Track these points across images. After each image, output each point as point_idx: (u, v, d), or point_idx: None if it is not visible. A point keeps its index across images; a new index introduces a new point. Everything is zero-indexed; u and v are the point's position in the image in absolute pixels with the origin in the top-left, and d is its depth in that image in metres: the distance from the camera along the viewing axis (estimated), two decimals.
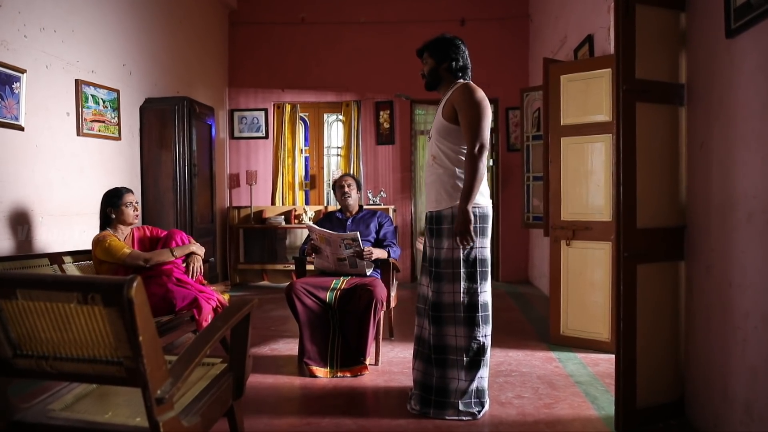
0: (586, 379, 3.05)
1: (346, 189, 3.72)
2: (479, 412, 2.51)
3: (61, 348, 1.44)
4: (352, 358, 3.17)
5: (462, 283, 2.46)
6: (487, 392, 2.58)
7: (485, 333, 2.52)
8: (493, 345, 3.71)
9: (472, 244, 2.42)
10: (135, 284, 1.28)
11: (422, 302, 2.62)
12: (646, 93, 2.35)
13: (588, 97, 3.62)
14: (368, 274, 3.43)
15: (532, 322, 4.54)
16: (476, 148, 2.38)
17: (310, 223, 3.48)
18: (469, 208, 2.38)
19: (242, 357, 1.91)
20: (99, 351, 1.42)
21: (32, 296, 1.36)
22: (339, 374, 3.11)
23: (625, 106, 2.33)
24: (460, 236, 2.40)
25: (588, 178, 3.63)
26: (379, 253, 3.45)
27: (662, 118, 2.43)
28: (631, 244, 2.34)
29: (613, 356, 3.42)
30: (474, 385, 2.50)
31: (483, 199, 2.51)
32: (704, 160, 2.31)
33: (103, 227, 3.12)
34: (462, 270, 2.46)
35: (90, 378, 1.46)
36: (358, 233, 3.31)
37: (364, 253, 3.33)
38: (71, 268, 2.97)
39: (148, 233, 3.26)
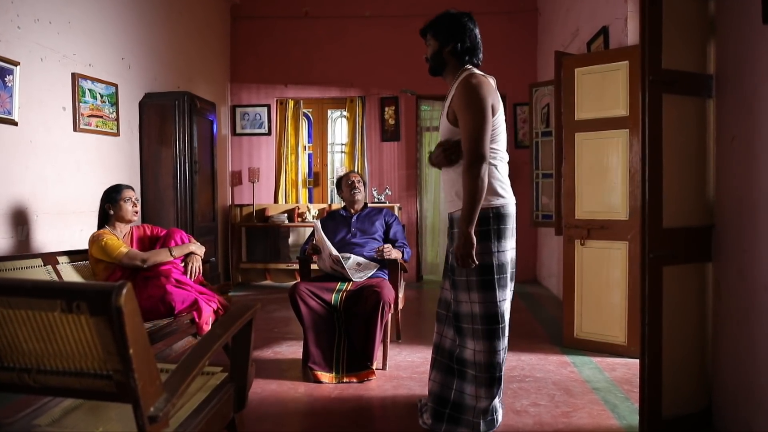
0: (604, 385, 2.92)
1: (357, 184, 3.62)
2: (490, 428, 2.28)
3: (45, 360, 1.31)
4: (358, 362, 3.03)
5: (477, 292, 2.18)
6: (499, 401, 2.36)
7: (503, 346, 2.25)
8: None
9: (475, 263, 2.12)
10: (124, 291, 1.15)
11: (443, 308, 2.38)
12: (672, 84, 2.21)
13: (604, 91, 3.47)
14: (355, 279, 3.27)
15: (543, 323, 4.40)
16: (471, 161, 2.07)
17: (317, 223, 3.34)
18: (471, 230, 2.08)
19: (244, 366, 1.78)
20: (86, 364, 1.29)
21: (11, 304, 1.23)
22: (345, 380, 2.98)
23: (650, 97, 2.18)
24: (461, 260, 2.11)
25: (604, 176, 3.48)
26: (396, 254, 3.35)
27: (689, 111, 2.29)
28: (657, 244, 2.20)
29: (630, 360, 3.31)
30: (494, 402, 2.26)
31: (499, 198, 2.19)
32: (736, 155, 2.17)
33: (101, 225, 3.00)
34: (476, 278, 2.17)
35: (77, 393, 1.33)
36: (341, 258, 3.22)
37: (384, 250, 3.31)
38: (66, 269, 2.84)
39: (147, 232, 3.14)
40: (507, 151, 2.29)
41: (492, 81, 2.24)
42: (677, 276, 2.26)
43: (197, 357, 1.42)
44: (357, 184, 3.62)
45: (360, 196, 3.64)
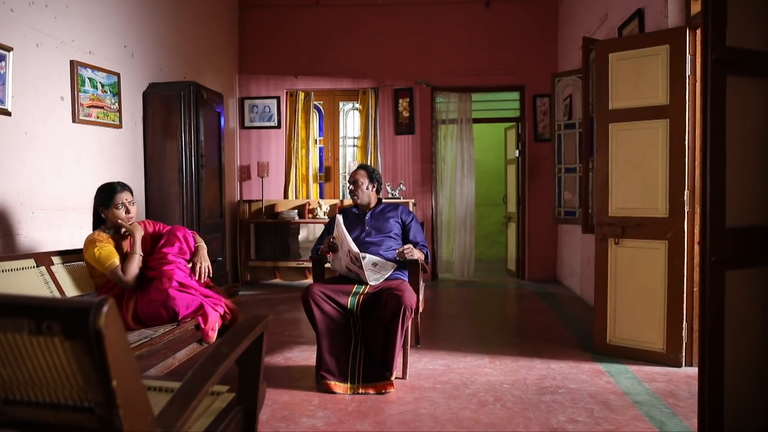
0: (646, 398, 2.67)
1: (360, 184, 3.35)
2: None
3: (15, 389, 1.09)
4: (375, 372, 2.79)
5: None
6: None
7: None
8: (532, 354, 3.36)
9: None
10: (105, 310, 0.91)
11: None
12: (738, 64, 1.95)
13: (641, 77, 3.21)
14: (371, 282, 3.05)
15: (569, 326, 4.14)
16: None
17: (339, 217, 3.10)
18: None
19: (254, 386, 1.55)
20: (63, 394, 1.06)
21: None
22: (360, 390, 2.74)
23: (713, 79, 1.92)
24: None
25: (640, 169, 3.22)
26: (419, 255, 3.13)
27: (755, 95, 2.03)
28: (720, 246, 1.94)
29: (669, 369, 3.06)
30: None
31: None
32: None
33: (96, 225, 2.78)
34: None
35: (53, 428, 1.11)
36: (360, 255, 2.94)
37: (405, 251, 3.08)
38: (61, 271, 2.62)
39: (150, 229, 2.90)
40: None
41: None
42: (741, 281, 2.01)
43: (198, 383, 1.19)
44: (353, 187, 3.35)
45: (359, 200, 3.35)
